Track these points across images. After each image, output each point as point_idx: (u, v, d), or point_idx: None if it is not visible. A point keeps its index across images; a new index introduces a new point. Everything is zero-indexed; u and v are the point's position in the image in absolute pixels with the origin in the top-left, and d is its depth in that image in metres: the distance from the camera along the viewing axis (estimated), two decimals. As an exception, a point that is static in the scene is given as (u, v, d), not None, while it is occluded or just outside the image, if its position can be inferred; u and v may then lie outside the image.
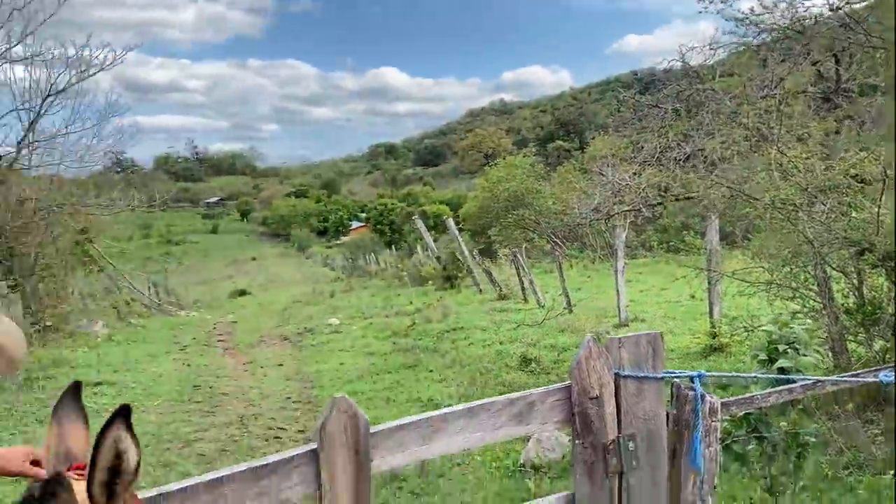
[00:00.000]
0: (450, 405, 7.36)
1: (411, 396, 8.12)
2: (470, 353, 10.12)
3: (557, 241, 30.94)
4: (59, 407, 1.60)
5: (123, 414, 1.26)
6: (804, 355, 2.77)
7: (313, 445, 1.97)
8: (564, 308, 12.98)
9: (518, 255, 16.28)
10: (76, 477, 1.38)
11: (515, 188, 33.15)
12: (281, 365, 11.07)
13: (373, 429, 2.04)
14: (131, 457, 1.27)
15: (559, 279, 13.97)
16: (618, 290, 11.36)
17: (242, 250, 69.82)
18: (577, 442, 2.17)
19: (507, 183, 33.75)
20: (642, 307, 13.38)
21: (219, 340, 15.08)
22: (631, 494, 2.18)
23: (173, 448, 6.68)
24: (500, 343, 10.75)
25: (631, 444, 2.14)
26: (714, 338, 8.41)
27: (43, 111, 18.87)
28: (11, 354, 1.63)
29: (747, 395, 2.24)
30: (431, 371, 9.42)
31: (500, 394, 7.32)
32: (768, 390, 2.22)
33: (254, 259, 60.83)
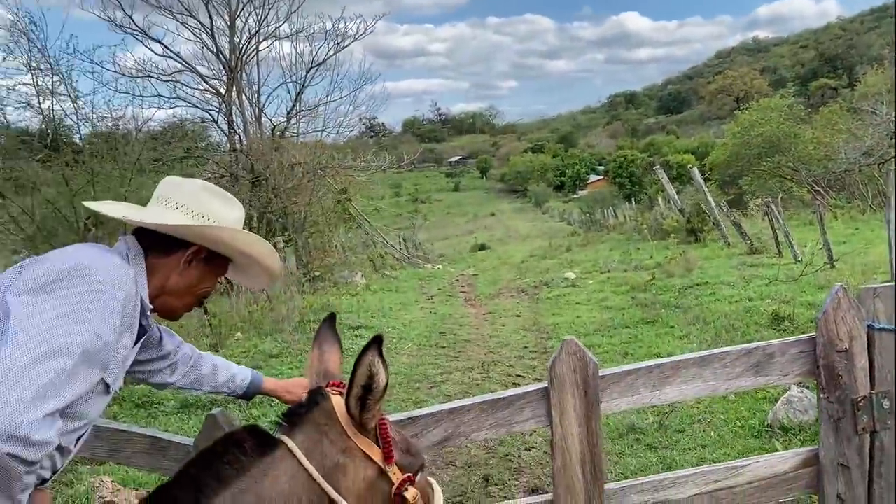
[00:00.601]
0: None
1: (650, 352, 7.97)
2: (715, 310, 9.63)
3: (819, 189, 28.00)
4: (319, 335, 1.89)
5: (377, 342, 1.47)
6: None
7: (544, 384, 2.08)
8: (825, 263, 11.78)
9: (772, 206, 14.98)
10: (333, 392, 1.62)
11: (771, 133, 30.39)
12: (518, 316, 11.43)
13: (602, 372, 2.10)
14: (381, 378, 1.48)
15: (820, 231, 12.67)
16: (890, 244, 10.05)
17: (482, 206, 72.33)
18: (822, 396, 2.04)
19: (761, 127, 31.06)
20: (923, 263, 11.72)
21: (461, 291, 15.93)
22: (884, 455, 2.00)
23: (423, 388, 7.28)
24: (749, 300, 10.07)
25: (886, 402, 1.96)
26: None
27: (307, 82, 21.04)
28: (271, 268, 1.86)
29: None
30: (672, 327, 9.13)
31: (747, 352, 6.85)
32: None
33: (492, 215, 62.83)
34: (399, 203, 73.26)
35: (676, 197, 21.91)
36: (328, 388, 1.65)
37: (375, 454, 1.55)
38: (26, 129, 12.80)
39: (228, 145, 19.83)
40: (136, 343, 1.65)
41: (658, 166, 24.93)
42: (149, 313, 1.67)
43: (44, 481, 1.56)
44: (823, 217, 13.53)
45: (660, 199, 27.00)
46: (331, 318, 1.93)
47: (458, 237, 42.45)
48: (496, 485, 4.71)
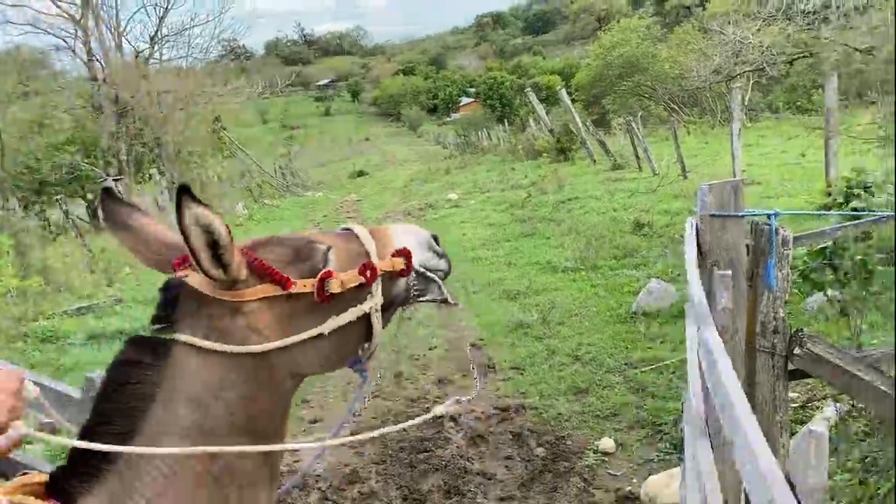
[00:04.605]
0: (567, 267, 7.99)
1: (530, 260, 8.82)
2: (585, 221, 10.63)
3: (675, 106, 29.92)
4: (111, 215, 1.43)
5: (185, 191, 1.18)
6: (875, 196, 3.12)
7: None
8: (679, 175, 13.08)
9: (632, 124, 16.21)
10: (182, 270, 1.32)
11: (630, 53, 31.92)
12: (408, 236, 11.98)
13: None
14: (216, 224, 1.20)
15: (674, 146, 13.97)
16: (733, 155, 11.34)
17: (356, 131, 71.41)
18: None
19: (622, 48, 32.50)
20: (760, 170, 13.27)
21: (347, 217, 16.27)
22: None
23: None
24: (614, 210, 11.15)
25: (715, 269, 2.67)
26: (829, 196, 8.44)
27: (170, 6, 20.03)
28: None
29: (818, 229, 2.67)
30: (548, 238, 10.05)
31: (615, 256, 7.88)
32: (836, 225, 2.64)
33: (367, 140, 62.31)
34: (270, 130, 70.98)
35: (546, 118, 22.93)
36: (177, 274, 1.33)
37: (269, 290, 1.30)
38: None
39: (89, 74, 18.74)
40: None
41: (529, 88, 25.84)
42: None
43: None
44: (677, 133, 14.85)
45: (531, 120, 28.03)
46: (105, 191, 1.46)
47: (334, 163, 42.07)
48: (407, 379, 5.32)
